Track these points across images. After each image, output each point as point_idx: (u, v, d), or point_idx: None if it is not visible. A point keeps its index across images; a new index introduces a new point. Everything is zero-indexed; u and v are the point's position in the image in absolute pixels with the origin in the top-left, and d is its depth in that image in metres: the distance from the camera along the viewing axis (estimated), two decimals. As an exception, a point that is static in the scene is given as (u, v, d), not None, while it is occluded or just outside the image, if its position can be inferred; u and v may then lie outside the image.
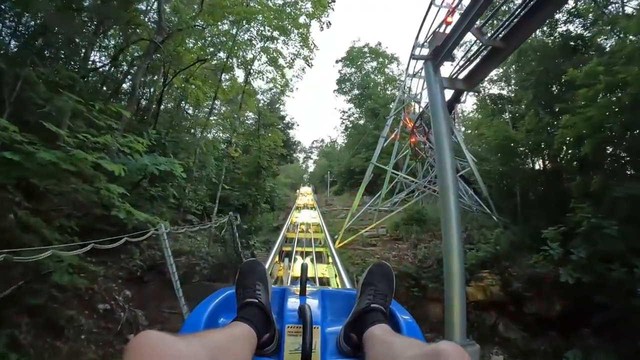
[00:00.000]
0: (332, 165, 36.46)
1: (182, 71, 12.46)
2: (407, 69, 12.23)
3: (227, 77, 16.60)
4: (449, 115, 9.44)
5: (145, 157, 6.92)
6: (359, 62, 30.80)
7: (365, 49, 30.92)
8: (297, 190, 28.52)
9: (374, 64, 31.01)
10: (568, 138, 9.49)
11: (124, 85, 16.75)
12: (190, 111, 18.58)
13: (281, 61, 11.77)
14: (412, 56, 9.38)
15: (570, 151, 9.82)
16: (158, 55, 13.26)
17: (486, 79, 17.29)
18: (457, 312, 7.12)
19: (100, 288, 7.08)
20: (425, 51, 11.07)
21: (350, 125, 33.13)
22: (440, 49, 8.99)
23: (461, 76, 10.11)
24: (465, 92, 11.94)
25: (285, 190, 28.81)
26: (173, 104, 18.02)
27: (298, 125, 54.89)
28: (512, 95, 17.97)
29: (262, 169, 15.71)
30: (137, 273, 7.32)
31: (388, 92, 29.66)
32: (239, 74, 15.04)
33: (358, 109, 31.76)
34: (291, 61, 11.80)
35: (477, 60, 9.58)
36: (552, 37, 14.10)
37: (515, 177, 12.91)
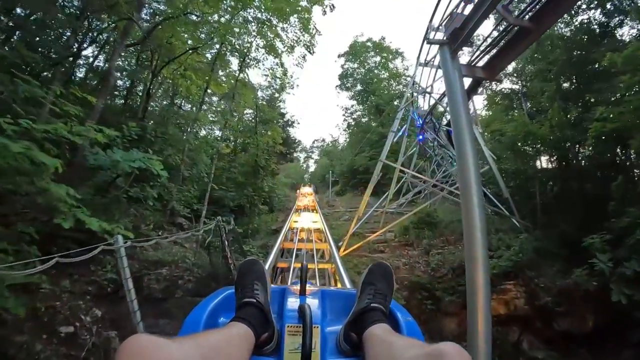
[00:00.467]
0: (334, 164, 35.36)
1: (172, 61, 11.38)
2: (418, 56, 11.18)
3: (223, 72, 15.61)
4: (469, 107, 8.37)
5: (118, 152, 5.86)
6: (362, 57, 29.67)
7: (369, 43, 29.83)
8: (298, 191, 27.37)
9: (378, 59, 29.89)
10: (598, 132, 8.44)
11: (119, 82, 15.85)
12: (187, 107, 17.56)
13: (279, 45, 10.69)
14: (427, 40, 8.28)
15: (605, 147, 8.70)
16: (149, 45, 12.24)
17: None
18: (482, 332, 6.09)
19: (64, 307, 6.02)
20: (440, 35, 10.02)
21: (353, 123, 32.00)
22: (458, 31, 7.91)
23: (480, 64, 9.16)
24: (483, 82, 10.91)
25: (285, 190, 27.73)
26: (168, 100, 17.00)
27: (299, 123, 53.88)
28: (525, 90, 16.90)
29: (260, 168, 14.63)
30: (108, 289, 6.25)
31: (392, 89, 28.54)
32: (235, 65, 13.96)
33: (361, 106, 30.65)
34: (291, 46, 10.71)
35: (496, 47, 8.68)
36: (571, 26, 13.03)
37: (536, 177, 11.84)
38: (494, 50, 8.78)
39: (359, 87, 30.29)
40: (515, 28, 7.85)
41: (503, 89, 18.38)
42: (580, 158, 10.47)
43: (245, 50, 10.93)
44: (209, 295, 1.00)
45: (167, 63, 11.37)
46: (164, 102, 16.90)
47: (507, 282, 8.89)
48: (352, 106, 31.62)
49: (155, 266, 6.87)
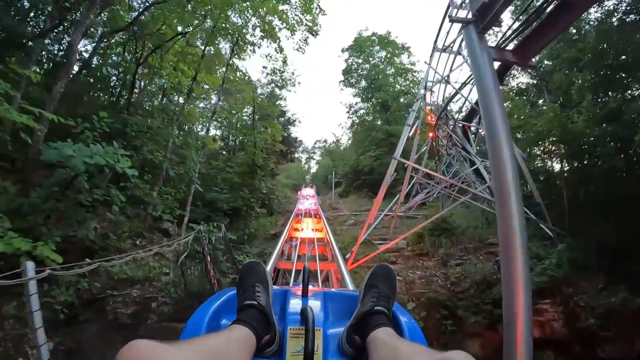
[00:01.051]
0: (337, 164, 34.08)
1: (159, 48, 10.24)
2: (435, 40, 9.95)
3: (218, 66, 14.42)
4: (501, 94, 7.16)
5: (71, 145, 4.68)
6: (367, 51, 28.23)
7: (374, 37, 28.45)
8: (299, 192, 26.01)
9: (383, 53, 28.56)
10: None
11: (114, 79, 14.73)
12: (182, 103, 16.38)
13: (277, 23, 9.41)
14: (449, 18, 7.07)
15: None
16: (135, 32, 11.11)
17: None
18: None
19: (6, 337, 4.84)
20: (464, 14, 8.85)
21: (357, 121, 30.60)
22: (487, 7, 6.68)
23: (509, 47, 8.01)
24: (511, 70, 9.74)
25: (286, 191, 26.50)
26: (161, 95, 15.90)
27: (300, 122, 52.55)
28: (544, 84, 15.67)
29: (257, 168, 13.43)
30: (61, 315, 5.04)
31: (399, 84, 27.20)
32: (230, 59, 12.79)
33: (365, 104, 29.30)
34: (291, 27, 9.42)
35: (530, 26, 7.57)
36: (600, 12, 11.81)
37: (563, 177, 10.63)
38: (523, 33, 7.69)
39: (363, 84, 28.96)
40: (550, 7, 6.76)
41: (519, 84, 17.17)
42: (619, 156, 9.20)
43: (237, 34, 9.68)
44: (211, 297, 1.00)
45: (153, 50, 10.23)
46: (162, 100, 15.88)
47: (542, 302, 7.63)
48: (357, 103, 30.30)
49: (124, 285, 5.66)
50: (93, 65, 14.07)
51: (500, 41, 8.05)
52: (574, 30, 12.71)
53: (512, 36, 7.88)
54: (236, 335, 0.75)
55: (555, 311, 7.68)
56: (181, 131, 11.08)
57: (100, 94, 14.43)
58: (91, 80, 13.78)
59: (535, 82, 16.98)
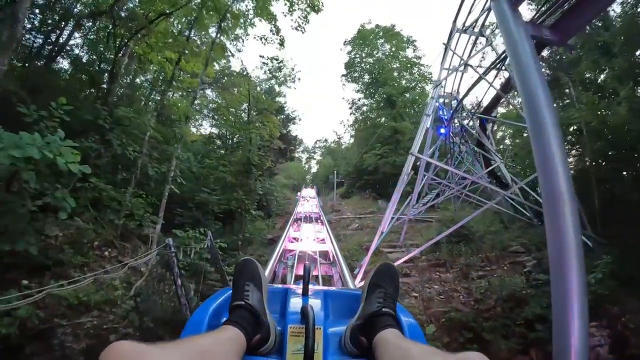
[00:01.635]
0: (339, 164, 32.89)
1: (138, 32, 9.11)
2: (455, 19, 8.76)
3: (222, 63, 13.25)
4: (544, 77, 6.01)
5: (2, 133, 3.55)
6: (371, 44, 26.90)
7: (378, 30, 27.14)
8: (299, 193, 24.79)
9: (388, 47, 27.26)
10: None
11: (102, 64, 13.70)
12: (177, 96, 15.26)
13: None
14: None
15: None
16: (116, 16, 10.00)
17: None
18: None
19: None
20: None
21: (361, 118, 29.31)
22: (521, -25, 5.55)
23: (545, 23, 6.89)
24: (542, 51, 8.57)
25: (285, 192, 25.41)
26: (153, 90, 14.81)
27: (300, 119, 51.33)
28: (562, 74, 14.48)
29: (252, 166, 12.28)
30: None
31: (404, 81, 25.96)
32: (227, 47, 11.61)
33: (369, 100, 28.05)
34: (292, 3, 8.17)
35: None
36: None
37: (593, 177, 9.48)
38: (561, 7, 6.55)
39: (366, 78, 27.71)
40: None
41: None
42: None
43: (225, 10, 8.46)
44: (211, 295, 1.00)
45: (134, 35, 9.09)
46: (150, 93, 14.83)
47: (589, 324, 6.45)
48: (360, 99, 29.00)
49: (77, 312, 4.50)
50: (84, 61, 13.27)
51: (535, 17, 6.93)
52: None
53: (549, 11, 6.72)
54: (226, 335, 0.74)
55: (601, 335, 6.54)
56: (170, 127, 9.92)
57: (92, 90, 13.51)
58: (84, 77, 12.88)
59: (549, 72, 15.79)
